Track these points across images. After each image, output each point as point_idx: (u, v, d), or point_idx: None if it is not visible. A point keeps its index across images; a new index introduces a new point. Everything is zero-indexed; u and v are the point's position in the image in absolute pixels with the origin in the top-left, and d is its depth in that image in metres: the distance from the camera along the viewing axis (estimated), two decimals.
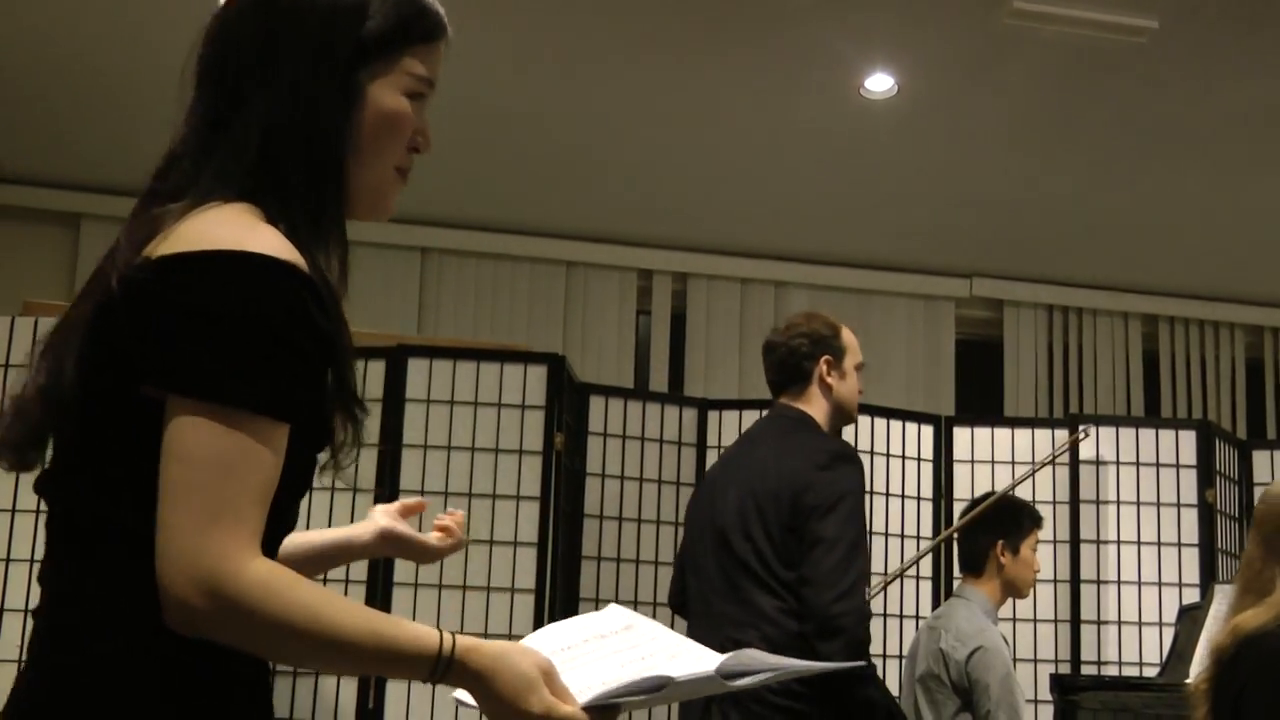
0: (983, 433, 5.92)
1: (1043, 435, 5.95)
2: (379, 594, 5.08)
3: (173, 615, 1.52)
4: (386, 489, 5.16)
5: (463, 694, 1.65)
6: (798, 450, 3.68)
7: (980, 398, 7.92)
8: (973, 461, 5.88)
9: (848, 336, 3.94)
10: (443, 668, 1.59)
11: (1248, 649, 3.01)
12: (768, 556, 3.62)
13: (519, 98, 6.45)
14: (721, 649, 1.72)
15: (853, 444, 5.53)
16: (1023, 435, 5.96)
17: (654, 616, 5.61)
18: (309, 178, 1.69)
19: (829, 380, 3.85)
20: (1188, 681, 3.20)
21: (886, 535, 5.74)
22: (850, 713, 3.49)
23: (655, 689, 1.62)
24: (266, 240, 1.59)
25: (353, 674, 4.19)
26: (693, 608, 3.98)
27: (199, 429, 1.53)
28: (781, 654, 2.75)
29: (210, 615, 1.51)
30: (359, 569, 5.09)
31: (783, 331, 3.97)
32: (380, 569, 5.10)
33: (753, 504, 3.67)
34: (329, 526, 5.03)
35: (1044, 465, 5.50)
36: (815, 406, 3.85)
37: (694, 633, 3.70)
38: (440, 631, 1.61)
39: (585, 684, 1.65)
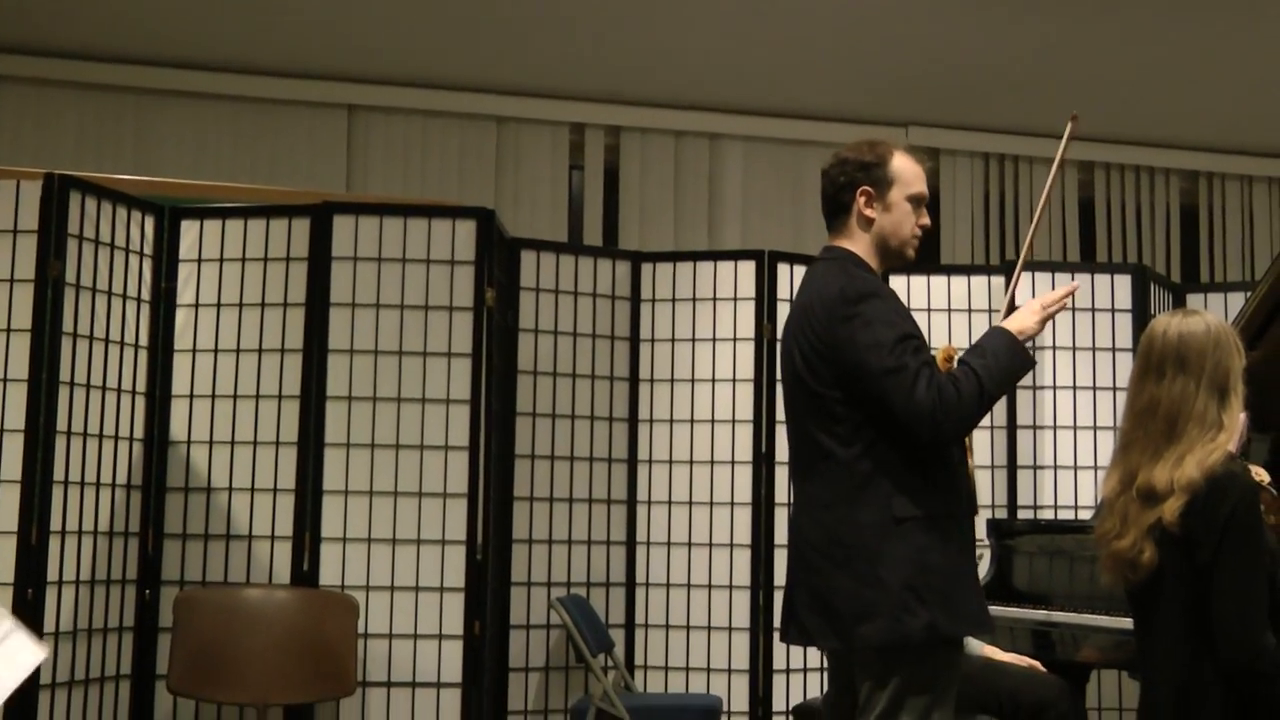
0: (919, 280, 5.88)
1: (979, 282, 5.93)
2: (311, 452, 5.01)
3: None
4: (315, 349, 5.07)
5: None
6: (818, 295, 3.38)
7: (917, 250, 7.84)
8: (909, 310, 5.83)
9: (900, 164, 3.46)
10: None
11: (1229, 482, 2.99)
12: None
13: None
14: None
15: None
16: (959, 282, 5.93)
17: (590, 474, 5.61)
18: None
19: (868, 214, 3.43)
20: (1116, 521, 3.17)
21: None
22: None
23: None
24: None
25: None
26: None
27: None
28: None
29: None
30: (290, 428, 5.03)
31: (830, 160, 3.55)
32: (312, 427, 5.03)
33: (798, 353, 3.47)
34: (257, 386, 5.00)
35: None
36: (858, 243, 3.45)
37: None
38: None
39: None
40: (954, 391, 3.23)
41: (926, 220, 3.51)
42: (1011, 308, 3.53)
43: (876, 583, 3.21)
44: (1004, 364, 3.33)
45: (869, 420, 3.28)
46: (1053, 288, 5.68)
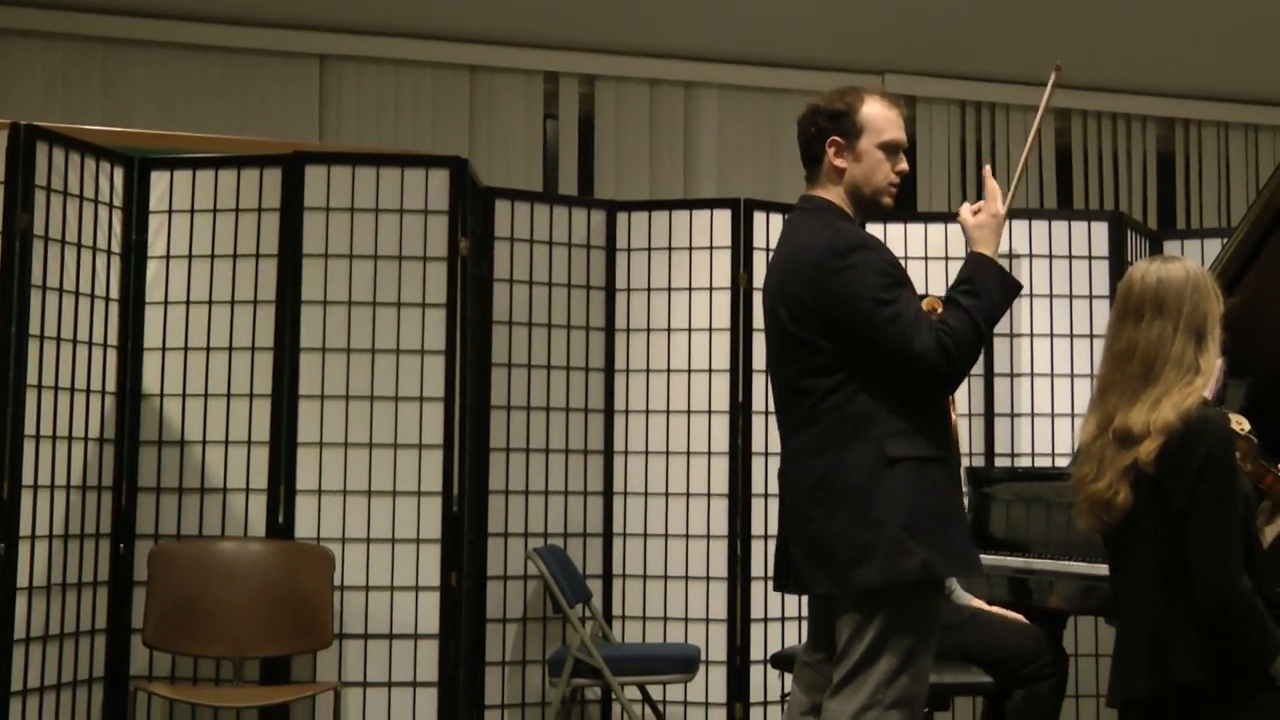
0: (895, 229, 5.86)
1: (956, 230, 5.87)
2: (285, 404, 4.99)
3: None
4: (288, 300, 5.04)
5: None
6: (802, 247, 3.36)
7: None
8: (897, 258, 5.80)
9: (870, 111, 3.39)
10: None
11: (1205, 426, 2.99)
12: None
13: None
14: None
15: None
16: (936, 230, 5.91)
17: (566, 424, 5.60)
18: None
19: (838, 164, 3.39)
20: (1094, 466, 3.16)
21: None
22: None
23: None
24: None
25: None
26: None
27: None
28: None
29: None
30: (263, 381, 5.00)
31: (803, 111, 3.50)
32: (286, 379, 5.00)
33: (783, 307, 3.44)
34: (230, 338, 4.97)
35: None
36: (833, 192, 3.41)
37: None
38: None
39: None
40: (952, 334, 3.23)
41: (903, 167, 3.47)
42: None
43: (872, 524, 3.21)
44: (997, 300, 3.34)
45: (860, 369, 3.27)
46: (1029, 236, 5.77)
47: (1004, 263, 3.43)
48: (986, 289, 3.31)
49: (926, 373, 3.22)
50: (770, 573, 3.74)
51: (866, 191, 3.42)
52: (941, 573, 3.26)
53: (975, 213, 3.43)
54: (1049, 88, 3.57)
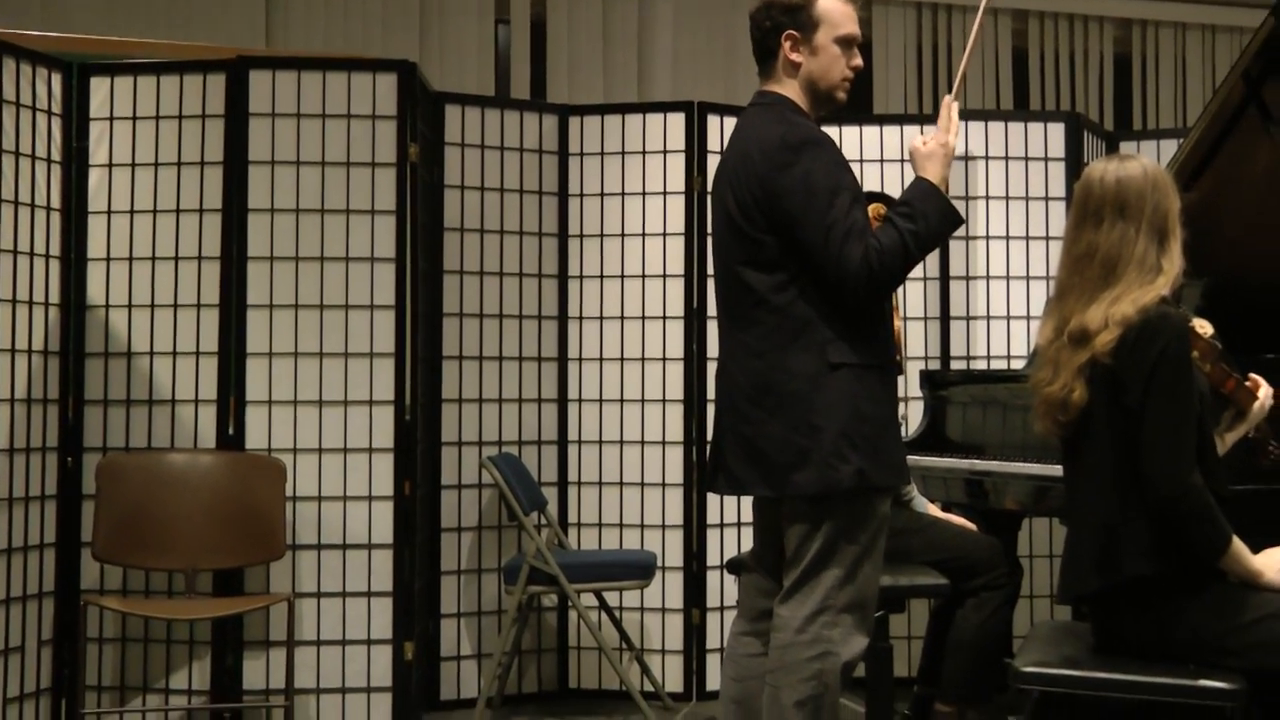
0: (851, 130, 5.80)
1: (912, 132, 5.81)
2: (233, 314, 4.91)
3: None
4: (234, 209, 4.95)
5: None
6: (754, 140, 3.31)
7: (850, 96, 7.75)
8: (846, 160, 5.75)
9: (826, 5, 3.35)
10: None
11: (1163, 322, 2.98)
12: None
13: None
14: None
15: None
16: (891, 133, 5.86)
17: (520, 329, 5.56)
18: None
19: (794, 58, 3.34)
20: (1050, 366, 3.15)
21: None
22: None
23: None
24: None
25: None
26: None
27: None
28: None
29: None
30: (211, 290, 4.92)
31: (756, 4, 3.42)
32: (234, 289, 4.93)
33: (733, 199, 3.37)
34: (176, 247, 4.88)
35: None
36: (788, 88, 3.37)
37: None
38: None
39: None
40: (881, 252, 3.19)
41: (858, 62, 3.44)
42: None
43: (810, 430, 3.20)
44: (934, 228, 3.30)
45: (804, 269, 3.24)
46: (985, 137, 5.73)
47: (959, 169, 3.39)
48: (925, 215, 3.27)
49: (844, 280, 3.18)
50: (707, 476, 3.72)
51: (822, 87, 3.39)
52: (876, 482, 3.25)
53: (925, 143, 3.38)
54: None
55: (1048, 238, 5.73)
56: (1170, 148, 5.40)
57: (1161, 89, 8.38)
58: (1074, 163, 5.76)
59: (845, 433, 3.18)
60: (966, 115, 5.79)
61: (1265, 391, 3.33)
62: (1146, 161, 3.17)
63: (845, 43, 3.38)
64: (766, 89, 3.42)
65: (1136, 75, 8.43)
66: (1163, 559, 2.98)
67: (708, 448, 5.43)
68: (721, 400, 3.42)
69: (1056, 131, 5.83)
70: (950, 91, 3.53)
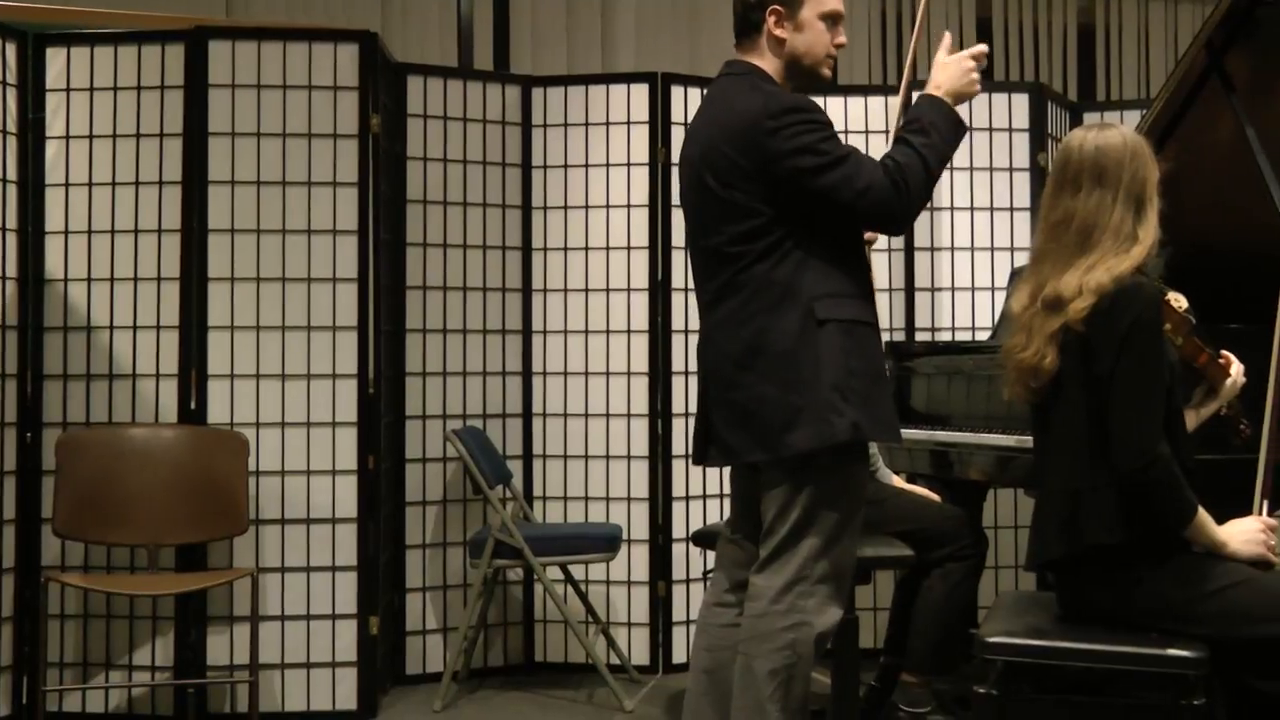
0: (814, 101, 5.76)
1: (876, 103, 5.85)
2: (194, 287, 4.87)
3: None
4: (194, 181, 4.90)
5: None
6: (732, 111, 3.27)
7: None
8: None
9: None
10: None
11: (1136, 291, 2.98)
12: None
13: None
14: None
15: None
16: (856, 103, 5.85)
17: (484, 302, 5.54)
18: None
19: (778, 33, 3.31)
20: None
21: None
22: None
23: None
24: None
25: None
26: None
27: None
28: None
29: None
30: (171, 264, 4.87)
31: None
32: (194, 262, 4.88)
33: (710, 173, 3.28)
34: (136, 220, 4.83)
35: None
36: (767, 62, 3.33)
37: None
38: None
39: None
40: (900, 169, 3.18)
41: (843, 39, 3.43)
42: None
43: (803, 386, 3.18)
44: (946, 135, 3.28)
45: (793, 231, 3.22)
46: None
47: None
48: (935, 126, 3.25)
49: (878, 207, 3.18)
50: (691, 450, 3.70)
51: (806, 63, 3.36)
52: (870, 436, 3.25)
53: (951, 52, 3.36)
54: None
55: (1012, 208, 5.73)
56: (1134, 118, 5.39)
57: (1125, 59, 8.40)
58: (1038, 134, 5.76)
59: (837, 386, 3.17)
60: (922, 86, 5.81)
61: (1237, 368, 3.34)
62: (1126, 130, 3.17)
63: (831, 19, 3.36)
64: (738, 59, 3.39)
65: (1100, 46, 8.43)
66: (1127, 528, 2.99)
67: (679, 424, 5.48)
68: (707, 371, 3.40)
69: (1020, 102, 5.82)
70: (908, 61, 3.52)
